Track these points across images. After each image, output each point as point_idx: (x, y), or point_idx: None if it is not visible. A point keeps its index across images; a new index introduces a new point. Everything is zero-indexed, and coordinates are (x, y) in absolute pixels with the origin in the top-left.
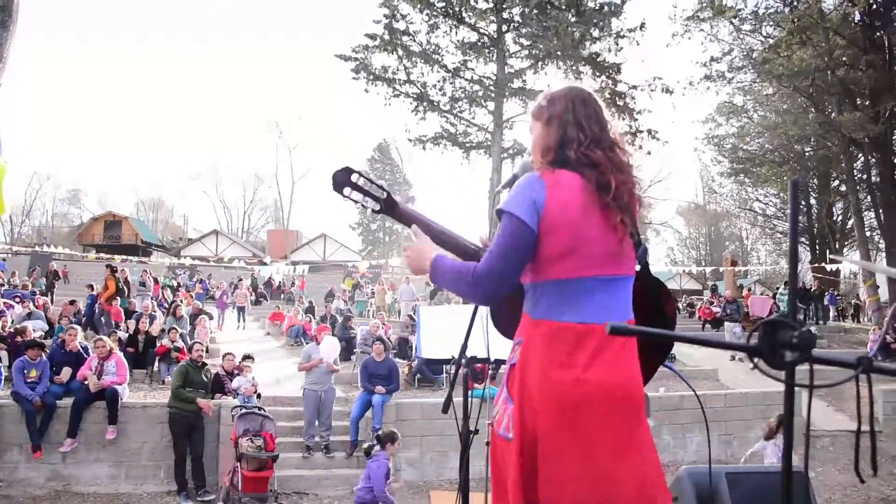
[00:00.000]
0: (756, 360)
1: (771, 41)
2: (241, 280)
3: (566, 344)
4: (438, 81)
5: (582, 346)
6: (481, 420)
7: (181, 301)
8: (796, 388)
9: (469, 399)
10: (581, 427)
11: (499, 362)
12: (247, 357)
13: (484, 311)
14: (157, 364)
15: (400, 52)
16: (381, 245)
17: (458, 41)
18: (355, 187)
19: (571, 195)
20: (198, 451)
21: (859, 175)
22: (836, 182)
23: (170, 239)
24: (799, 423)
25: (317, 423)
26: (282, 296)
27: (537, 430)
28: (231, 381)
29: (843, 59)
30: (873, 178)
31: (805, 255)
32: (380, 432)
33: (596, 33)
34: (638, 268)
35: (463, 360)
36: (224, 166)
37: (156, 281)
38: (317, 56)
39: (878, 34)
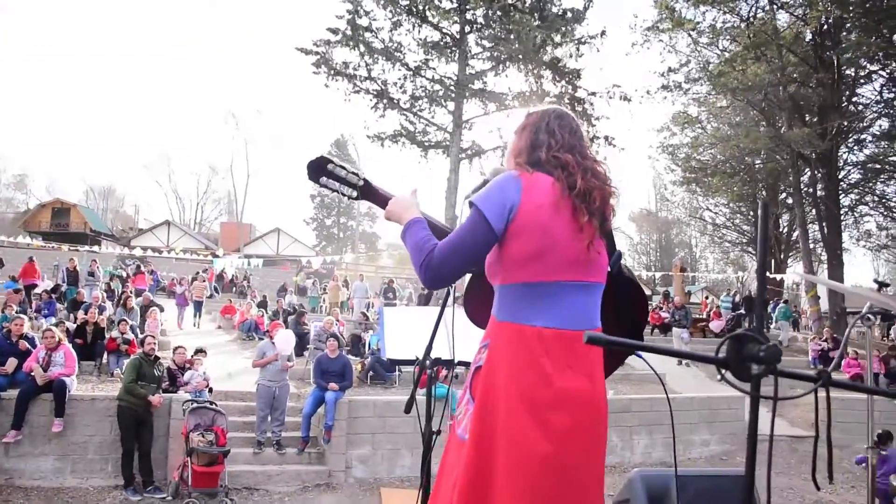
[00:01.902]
0: (724, 371)
1: (727, 55)
2: (204, 271)
3: (533, 348)
4: (399, 79)
5: (549, 351)
6: (435, 419)
7: (131, 291)
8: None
9: (433, 399)
10: (549, 431)
11: (463, 364)
12: (199, 351)
13: (449, 313)
14: (106, 356)
15: (362, 48)
16: (336, 241)
17: (420, 40)
18: (331, 175)
19: (544, 197)
20: (146, 446)
21: (805, 189)
22: (784, 195)
23: (120, 229)
24: (740, 427)
25: (269, 418)
26: (233, 289)
27: (498, 433)
28: (182, 374)
29: (795, 75)
30: (818, 193)
31: (751, 264)
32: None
33: (558, 38)
34: (612, 272)
35: (427, 362)
36: (178, 156)
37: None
38: (277, 49)
39: (827, 53)
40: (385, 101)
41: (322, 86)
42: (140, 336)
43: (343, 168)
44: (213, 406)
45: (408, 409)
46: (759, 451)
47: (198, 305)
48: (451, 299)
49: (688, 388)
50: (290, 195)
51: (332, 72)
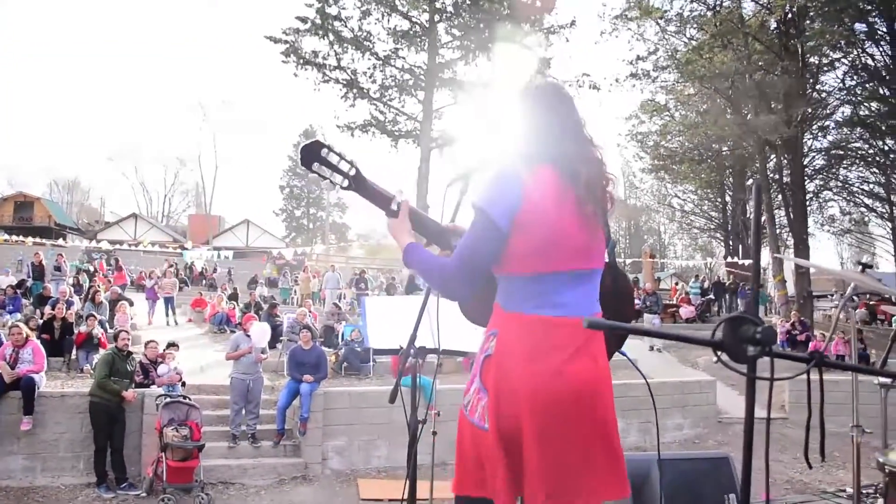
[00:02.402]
0: (720, 353)
1: (694, 43)
2: (172, 266)
3: (543, 337)
4: (369, 69)
5: (559, 340)
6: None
7: (99, 286)
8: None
9: (418, 389)
10: (566, 419)
11: (449, 352)
12: (171, 345)
13: (433, 301)
14: (75, 352)
15: (331, 37)
16: (306, 232)
17: (390, 29)
18: (324, 162)
19: (546, 189)
20: (119, 442)
21: (772, 175)
22: (750, 181)
23: (86, 222)
24: (712, 410)
25: (244, 412)
26: (203, 282)
27: (521, 422)
28: (155, 369)
29: (760, 63)
30: (785, 179)
31: (720, 250)
32: None
33: (527, 28)
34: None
35: (412, 351)
36: (144, 148)
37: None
38: (246, 38)
39: (791, 42)
40: (355, 90)
41: (291, 75)
42: (110, 331)
43: (337, 155)
44: (187, 400)
45: (392, 399)
46: (734, 434)
47: (168, 301)
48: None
49: (659, 373)
50: (260, 186)
51: (302, 61)
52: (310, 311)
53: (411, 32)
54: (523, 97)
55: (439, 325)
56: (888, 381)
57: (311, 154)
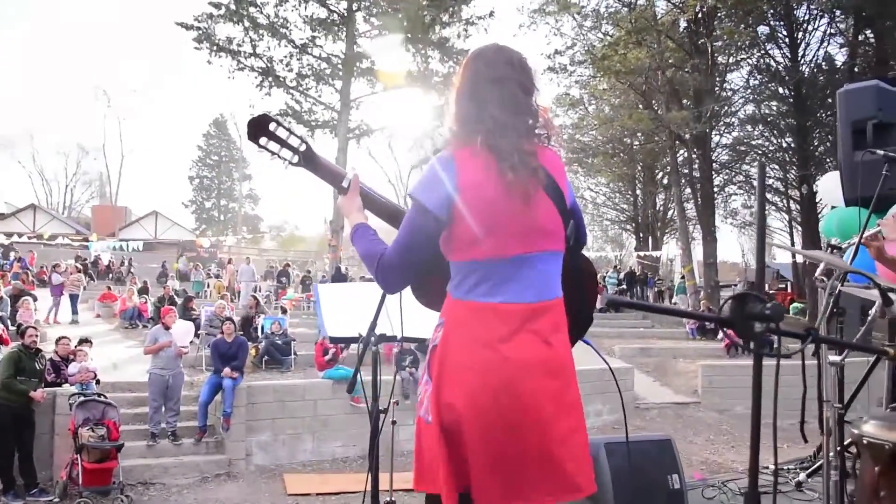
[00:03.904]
0: (725, 329)
1: (610, 39)
2: (81, 260)
3: (489, 324)
4: (285, 57)
5: (506, 326)
6: (336, 401)
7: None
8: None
9: (378, 380)
10: (511, 406)
11: (409, 340)
12: (84, 341)
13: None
14: None
15: (246, 23)
16: (216, 224)
17: (307, 16)
18: (272, 136)
19: (485, 173)
20: (28, 445)
21: (682, 169)
22: (661, 174)
23: None
24: (630, 397)
25: (163, 408)
26: (110, 275)
27: (461, 411)
28: (67, 367)
29: (671, 61)
30: (694, 173)
31: (630, 241)
32: None
33: (446, 18)
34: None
35: (373, 338)
36: (43, 135)
37: None
38: (156, 23)
39: (701, 41)
40: (271, 78)
41: (205, 62)
42: (12, 328)
43: (287, 130)
44: (103, 399)
45: (350, 389)
46: (650, 419)
47: (73, 299)
48: None
49: (580, 362)
50: (168, 177)
51: (215, 48)
52: (228, 304)
53: (329, 20)
54: (463, 67)
55: (402, 313)
56: (838, 358)
57: (259, 129)
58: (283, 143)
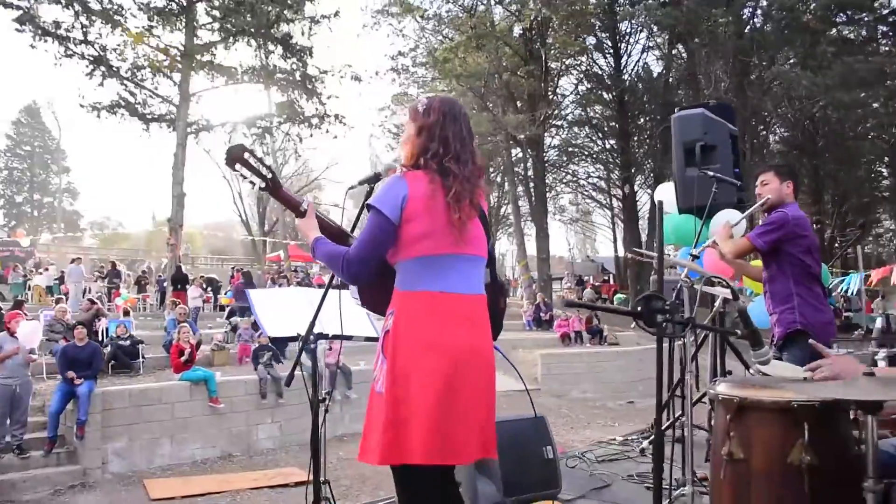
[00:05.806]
0: (638, 320)
1: (451, 43)
2: None
3: (432, 309)
4: (119, 45)
5: (440, 309)
6: (194, 403)
7: None
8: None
9: (316, 373)
10: (452, 384)
11: (346, 338)
12: None
13: (334, 290)
14: None
15: (76, 7)
16: (29, 220)
17: (143, 4)
18: (245, 164)
19: (427, 191)
20: None
21: (516, 168)
22: (496, 173)
23: None
24: None
25: (9, 421)
26: None
27: (410, 381)
28: None
29: (505, 65)
30: (528, 172)
31: None
32: None
33: (290, 14)
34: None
35: (311, 337)
36: None
37: None
38: None
39: (536, 47)
40: (103, 68)
41: (27, 46)
42: None
43: (259, 160)
44: None
45: (288, 383)
46: (543, 406)
47: None
48: (336, 279)
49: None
50: None
51: (40, 31)
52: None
53: (167, 10)
54: (423, 115)
55: (342, 312)
56: (691, 339)
57: (236, 156)
58: (253, 170)
